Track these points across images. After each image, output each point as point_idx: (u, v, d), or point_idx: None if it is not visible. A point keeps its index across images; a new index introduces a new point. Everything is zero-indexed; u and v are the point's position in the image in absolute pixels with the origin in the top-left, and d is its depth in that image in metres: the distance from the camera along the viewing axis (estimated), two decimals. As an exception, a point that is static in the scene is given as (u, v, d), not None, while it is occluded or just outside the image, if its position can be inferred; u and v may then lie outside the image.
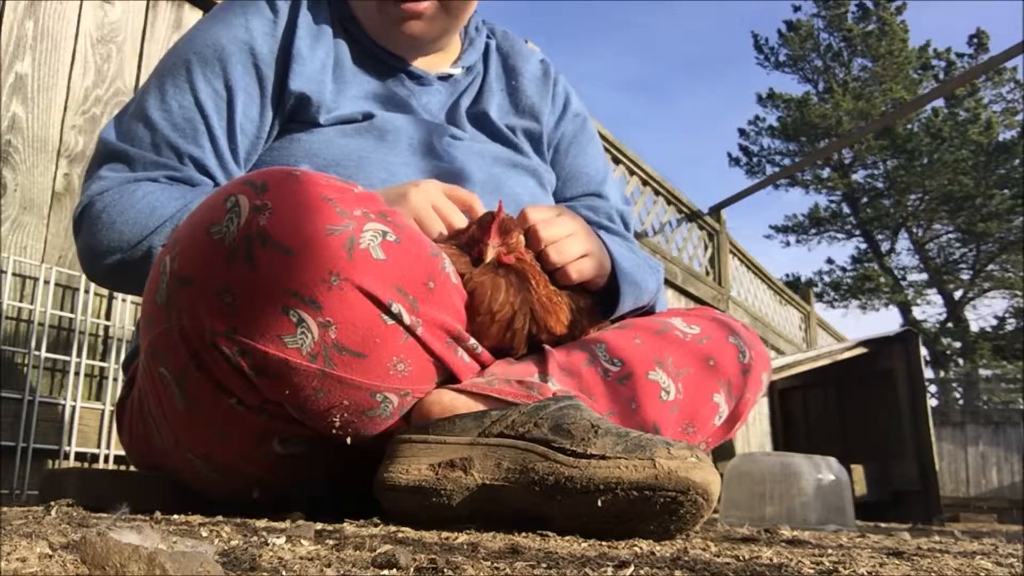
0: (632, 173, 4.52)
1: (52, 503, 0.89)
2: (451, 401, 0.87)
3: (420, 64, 1.24)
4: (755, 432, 5.57)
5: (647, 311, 1.20)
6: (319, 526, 0.76)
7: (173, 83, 1.08)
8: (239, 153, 1.10)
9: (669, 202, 4.97)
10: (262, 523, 0.79)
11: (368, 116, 1.14)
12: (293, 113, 1.13)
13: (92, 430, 1.71)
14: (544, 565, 0.54)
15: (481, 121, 1.26)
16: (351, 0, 1.20)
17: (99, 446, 1.71)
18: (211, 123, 1.08)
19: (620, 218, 1.36)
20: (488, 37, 1.35)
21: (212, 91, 1.08)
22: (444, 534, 0.73)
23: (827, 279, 21.39)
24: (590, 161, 1.38)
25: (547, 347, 0.98)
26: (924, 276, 20.82)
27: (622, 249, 1.14)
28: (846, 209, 21.12)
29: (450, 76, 1.27)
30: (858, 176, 20.74)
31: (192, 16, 2.01)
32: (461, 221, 1.00)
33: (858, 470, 4.38)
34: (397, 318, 0.81)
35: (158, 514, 0.84)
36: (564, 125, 1.37)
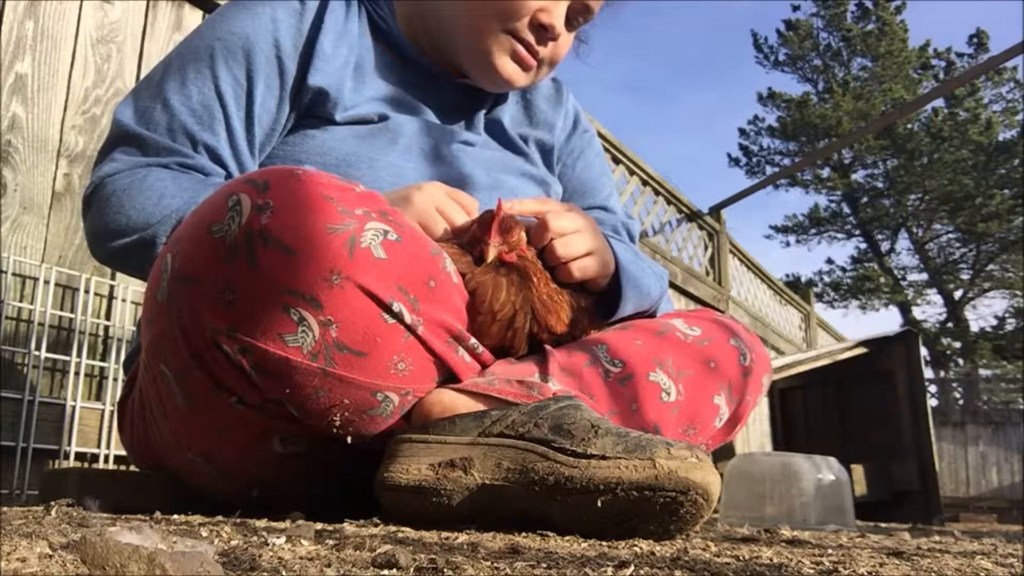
0: (632, 173, 4.52)
1: (52, 503, 0.89)
2: (451, 401, 0.87)
3: (445, 69, 1.24)
4: (755, 432, 5.57)
5: (649, 315, 1.20)
6: (319, 526, 0.75)
7: (195, 68, 1.08)
8: (255, 144, 1.10)
9: (669, 202, 4.97)
10: (262, 523, 0.79)
11: (383, 118, 1.14)
12: (309, 108, 1.13)
13: (92, 430, 1.71)
14: (544, 565, 0.54)
15: (494, 128, 1.28)
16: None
17: (99, 446, 1.71)
18: (229, 112, 1.07)
19: (626, 231, 1.38)
20: None
21: (233, 80, 1.08)
22: (444, 534, 0.73)
23: (827, 279, 21.40)
24: (596, 176, 1.41)
25: (548, 347, 0.98)
26: (924, 276, 20.84)
27: (627, 253, 1.14)
28: (846, 209, 21.13)
29: (469, 84, 1.27)
30: (858, 176, 20.76)
31: (192, 16, 2.01)
32: (464, 221, 1.00)
33: (858, 470, 4.38)
34: (398, 317, 0.81)
35: (158, 514, 0.84)
36: (574, 141, 1.40)
